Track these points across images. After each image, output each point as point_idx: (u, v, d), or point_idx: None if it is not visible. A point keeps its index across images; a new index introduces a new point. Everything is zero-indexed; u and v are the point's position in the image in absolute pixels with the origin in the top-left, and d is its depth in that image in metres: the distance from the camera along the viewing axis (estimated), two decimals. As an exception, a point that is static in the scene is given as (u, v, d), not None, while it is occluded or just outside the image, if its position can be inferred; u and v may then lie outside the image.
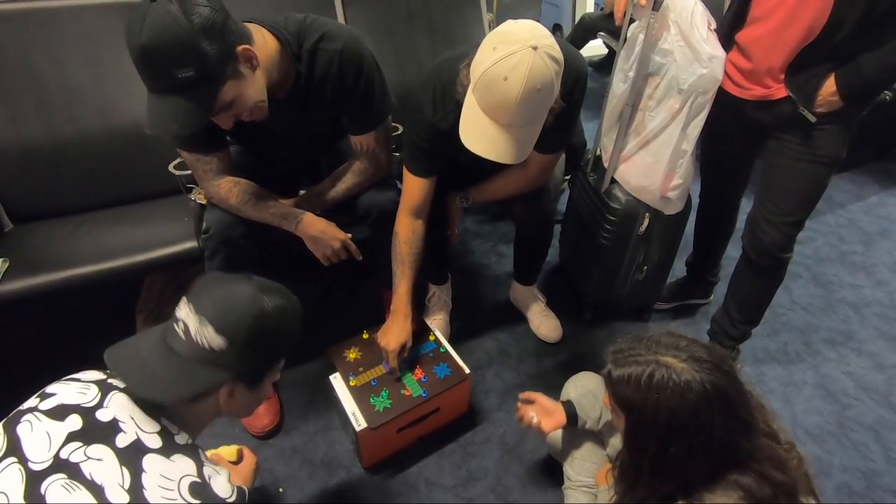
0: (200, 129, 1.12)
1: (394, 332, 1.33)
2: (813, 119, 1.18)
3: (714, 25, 1.26)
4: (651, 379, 0.73)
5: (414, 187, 1.30)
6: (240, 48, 1.00)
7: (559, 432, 1.21)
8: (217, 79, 0.99)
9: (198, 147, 1.22)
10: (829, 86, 1.13)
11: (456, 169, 1.33)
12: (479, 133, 1.02)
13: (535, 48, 0.92)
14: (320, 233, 1.30)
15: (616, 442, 1.10)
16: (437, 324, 1.67)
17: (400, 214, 1.33)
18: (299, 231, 1.30)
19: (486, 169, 1.09)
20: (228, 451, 1.07)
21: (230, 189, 1.26)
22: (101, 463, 0.65)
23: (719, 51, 1.23)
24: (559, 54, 0.97)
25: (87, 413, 0.70)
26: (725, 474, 0.73)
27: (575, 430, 1.16)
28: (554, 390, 1.28)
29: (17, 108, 1.49)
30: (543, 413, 1.17)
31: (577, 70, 1.16)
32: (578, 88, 1.19)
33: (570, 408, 1.14)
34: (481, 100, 0.99)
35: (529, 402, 1.20)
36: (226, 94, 1.02)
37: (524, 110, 0.97)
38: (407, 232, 1.33)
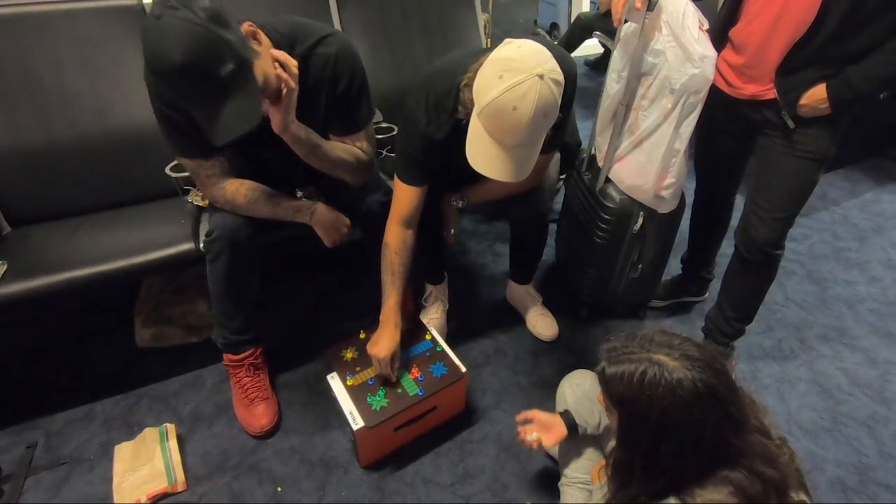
0: (197, 135, 1.12)
1: (383, 342, 1.32)
2: (792, 125, 1.22)
3: (706, 26, 1.27)
4: (643, 377, 0.74)
5: (405, 196, 1.30)
6: (244, 26, 1.02)
7: None
8: (248, 62, 1.01)
9: (198, 152, 1.22)
10: (819, 93, 1.15)
11: (451, 171, 1.34)
12: (486, 156, 1.04)
13: (541, 76, 0.94)
14: (332, 221, 1.36)
15: (614, 429, 1.10)
16: (434, 323, 1.68)
17: (390, 224, 1.33)
18: (314, 220, 1.34)
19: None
20: None
21: (236, 190, 1.27)
22: None
23: (710, 51, 1.24)
24: (561, 76, 0.99)
25: None
26: (716, 470, 0.74)
27: (577, 437, 1.16)
28: (550, 388, 1.29)
29: (14, 112, 1.50)
30: (543, 429, 1.17)
31: (568, 73, 1.17)
32: (569, 90, 1.20)
33: (568, 418, 1.15)
34: (488, 125, 1.01)
35: (528, 421, 1.20)
36: (257, 75, 1.03)
37: (531, 134, 1.00)
38: (397, 242, 1.32)
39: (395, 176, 1.30)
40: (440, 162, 1.26)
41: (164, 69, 0.94)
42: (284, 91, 1.09)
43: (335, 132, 1.32)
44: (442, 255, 1.74)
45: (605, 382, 0.80)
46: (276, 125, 1.13)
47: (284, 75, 1.07)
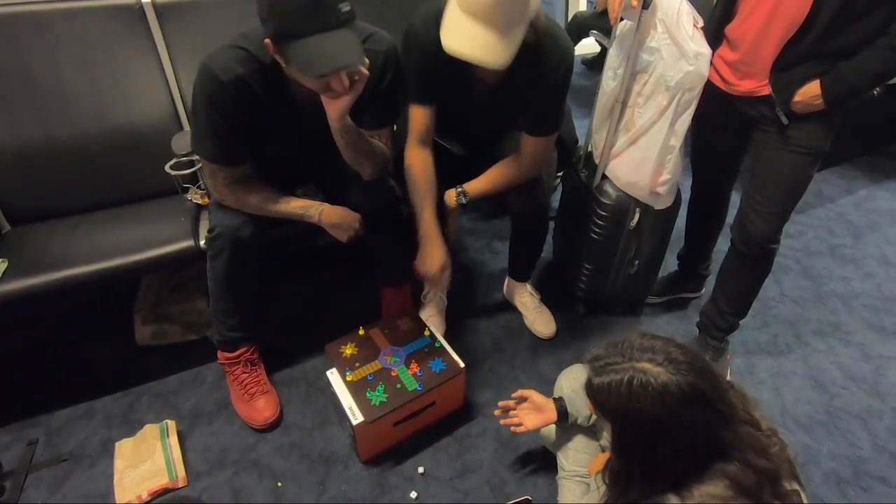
0: (234, 144, 1.20)
1: (432, 257, 1.36)
2: (786, 121, 1.23)
3: (701, 23, 1.28)
4: (630, 387, 0.73)
5: (417, 117, 1.35)
6: None
7: (552, 426, 1.23)
8: (354, 12, 1.08)
9: (228, 160, 1.25)
10: (813, 89, 1.17)
11: (450, 161, 1.35)
12: (459, 33, 1.08)
13: None
14: (340, 219, 1.37)
15: (609, 434, 1.12)
16: (433, 319, 1.69)
17: (410, 147, 1.37)
18: (322, 220, 1.35)
19: (484, 155, 1.12)
20: None
21: (248, 190, 1.29)
22: None
23: (705, 48, 1.25)
24: None
25: None
26: (711, 464, 0.75)
27: (566, 425, 1.19)
28: (548, 384, 1.30)
29: (13, 111, 1.50)
30: (535, 409, 1.20)
31: (565, 47, 1.20)
32: (564, 67, 1.22)
33: (560, 404, 1.17)
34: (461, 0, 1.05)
35: (523, 399, 1.22)
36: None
37: (503, 7, 1.02)
38: (419, 161, 1.37)
39: (408, 100, 1.34)
40: (439, 79, 1.29)
41: None
42: (357, 78, 1.13)
43: (364, 124, 1.34)
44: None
45: (593, 394, 0.79)
46: (336, 111, 1.17)
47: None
